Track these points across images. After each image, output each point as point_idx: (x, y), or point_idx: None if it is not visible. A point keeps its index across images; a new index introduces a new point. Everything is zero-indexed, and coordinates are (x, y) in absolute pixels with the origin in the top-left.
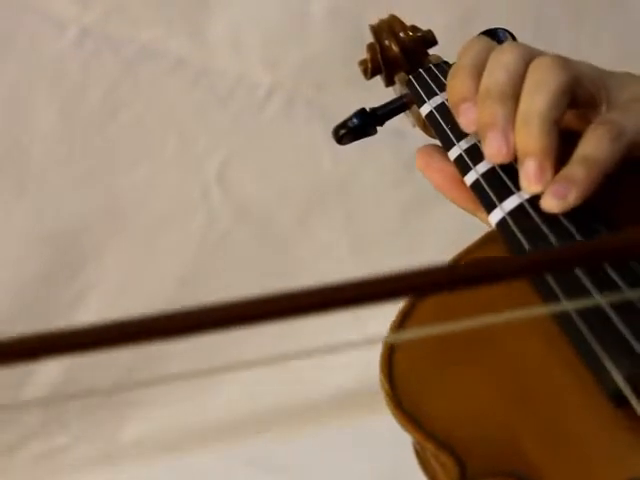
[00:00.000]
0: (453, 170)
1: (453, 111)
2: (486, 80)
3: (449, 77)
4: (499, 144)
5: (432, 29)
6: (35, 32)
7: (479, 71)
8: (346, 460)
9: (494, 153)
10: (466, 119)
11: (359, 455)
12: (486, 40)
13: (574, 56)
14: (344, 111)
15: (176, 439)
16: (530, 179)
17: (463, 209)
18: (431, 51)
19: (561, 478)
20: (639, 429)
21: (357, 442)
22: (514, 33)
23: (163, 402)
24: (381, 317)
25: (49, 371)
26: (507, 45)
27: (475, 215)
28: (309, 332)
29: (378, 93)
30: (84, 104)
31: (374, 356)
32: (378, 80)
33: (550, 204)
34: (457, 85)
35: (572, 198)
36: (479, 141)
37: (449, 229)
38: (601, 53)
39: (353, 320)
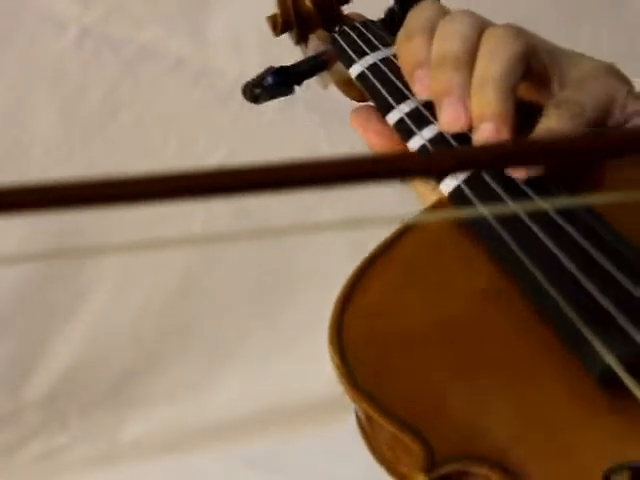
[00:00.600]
0: (391, 133)
1: (407, 77)
2: (439, 47)
3: (400, 41)
4: (457, 111)
5: None
6: (35, 32)
7: (433, 36)
8: (346, 460)
9: (451, 121)
10: (422, 85)
11: (359, 455)
12: (437, 5)
13: None
14: (344, 110)
15: (176, 439)
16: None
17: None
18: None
19: (540, 464)
20: (625, 412)
21: (357, 442)
22: None
23: (163, 402)
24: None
25: (49, 371)
26: (459, 12)
27: (411, 187)
28: None
29: None
30: (84, 104)
31: None
32: None
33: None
34: (411, 50)
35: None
36: (422, 104)
37: None
38: (600, 53)
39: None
